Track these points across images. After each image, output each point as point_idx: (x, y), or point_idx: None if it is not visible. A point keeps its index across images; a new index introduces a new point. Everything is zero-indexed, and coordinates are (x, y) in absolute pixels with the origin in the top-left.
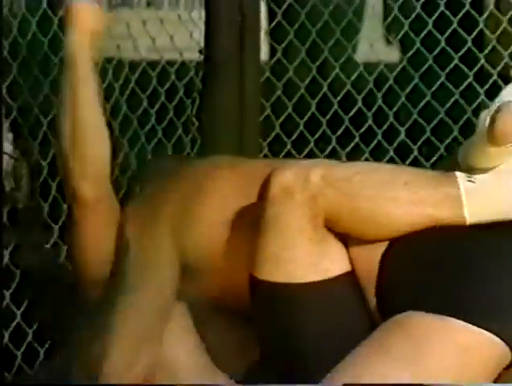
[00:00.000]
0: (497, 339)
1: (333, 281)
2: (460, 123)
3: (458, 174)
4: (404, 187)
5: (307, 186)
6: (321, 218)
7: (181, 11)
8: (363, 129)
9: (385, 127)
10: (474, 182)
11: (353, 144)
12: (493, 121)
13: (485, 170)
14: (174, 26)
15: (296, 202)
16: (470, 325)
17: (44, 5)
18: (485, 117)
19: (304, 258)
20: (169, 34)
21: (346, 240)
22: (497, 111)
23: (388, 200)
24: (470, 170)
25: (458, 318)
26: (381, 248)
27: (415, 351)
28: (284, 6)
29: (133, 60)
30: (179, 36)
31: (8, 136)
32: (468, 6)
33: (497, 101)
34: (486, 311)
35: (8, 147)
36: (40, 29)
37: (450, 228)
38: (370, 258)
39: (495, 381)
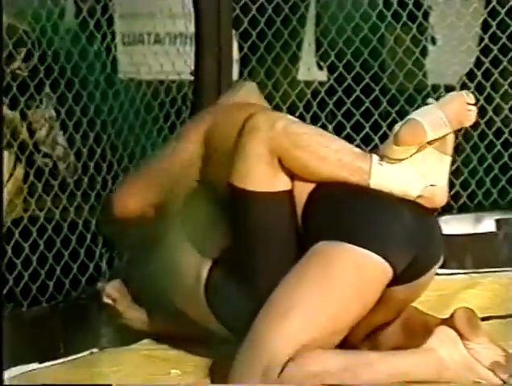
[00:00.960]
0: (382, 259)
1: (278, 193)
2: (370, 123)
3: (374, 156)
4: (334, 153)
5: (271, 130)
6: (275, 154)
7: (178, 46)
8: None
9: (319, 124)
10: (382, 166)
11: None
12: (398, 129)
13: (392, 161)
14: (174, 56)
15: (260, 137)
16: (362, 248)
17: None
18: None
19: (260, 174)
20: (171, 61)
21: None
22: (404, 123)
23: (320, 159)
24: (383, 158)
25: (354, 244)
26: (311, 185)
27: (324, 271)
28: (249, 42)
29: (148, 80)
30: (178, 63)
31: (60, 132)
32: (375, 42)
33: (408, 117)
34: (374, 239)
35: (60, 138)
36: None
37: (359, 186)
38: (303, 189)
39: (374, 311)
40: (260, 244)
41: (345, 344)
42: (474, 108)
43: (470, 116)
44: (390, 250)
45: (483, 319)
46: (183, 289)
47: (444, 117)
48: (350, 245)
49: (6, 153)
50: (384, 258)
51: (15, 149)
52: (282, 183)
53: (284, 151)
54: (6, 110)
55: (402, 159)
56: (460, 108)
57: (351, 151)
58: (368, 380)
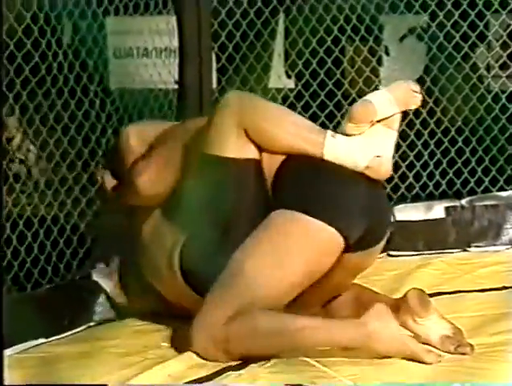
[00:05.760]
0: (334, 230)
1: (248, 160)
2: (334, 124)
3: (328, 131)
4: (291, 125)
5: (239, 105)
6: (242, 126)
7: (164, 58)
8: None
9: None
10: (335, 138)
11: None
12: (352, 108)
13: (346, 135)
14: (160, 67)
15: (230, 112)
16: (315, 219)
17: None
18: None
19: (231, 143)
20: (158, 72)
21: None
22: (357, 103)
23: (279, 128)
24: (338, 132)
25: (308, 215)
26: (281, 158)
27: (276, 239)
28: (226, 54)
29: (137, 89)
30: (164, 73)
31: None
32: (337, 52)
33: (362, 98)
34: (328, 211)
35: (31, 146)
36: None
37: (316, 160)
38: (273, 162)
39: (334, 264)
40: (233, 208)
41: (305, 311)
42: (419, 95)
43: (415, 99)
44: (343, 222)
45: (434, 295)
46: (157, 268)
47: (393, 98)
48: (304, 215)
49: None
50: (337, 229)
51: None
52: (250, 152)
53: (249, 123)
54: None
55: (354, 135)
56: (406, 92)
57: (308, 125)
58: (306, 344)
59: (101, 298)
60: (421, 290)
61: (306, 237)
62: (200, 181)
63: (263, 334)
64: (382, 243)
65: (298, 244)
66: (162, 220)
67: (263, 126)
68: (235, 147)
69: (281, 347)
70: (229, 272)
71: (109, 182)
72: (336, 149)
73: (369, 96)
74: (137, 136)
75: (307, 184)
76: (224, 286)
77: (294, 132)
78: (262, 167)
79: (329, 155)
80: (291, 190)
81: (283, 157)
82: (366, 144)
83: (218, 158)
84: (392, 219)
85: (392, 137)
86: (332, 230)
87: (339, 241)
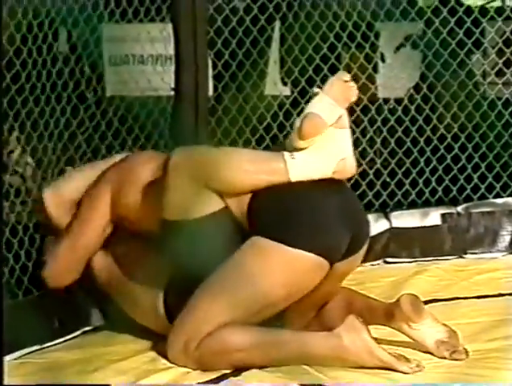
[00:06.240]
0: (315, 256)
1: (213, 214)
2: None
3: (285, 153)
4: (250, 164)
5: (189, 162)
6: (200, 182)
7: (159, 66)
8: (271, 135)
9: (284, 133)
10: (295, 158)
11: (265, 144)
12: (300, 125)
13: (300, 151)
14: (156, 74)
15: (182, 172)
16: (291, 248)
17: None
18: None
19: (190, 203)
20: (154, 79)
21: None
22: (303, 118)
23: (240, 172)
24: (292, 151)
25: (285, 243)
26: (247, 196)
27: (254, 265)
28: (222, 61)
29: (132, 96)
30: (159, 80)
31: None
32: (333, 59)
33: (305, 112)
34: (305, 236)
35: (29, 159)
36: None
37: (284, 185)
38: (241, 203)
39: (319, 285)
40: (206, 267)
41: (300, 319)
42: (353, 84)
43: (353, 90)
44: (323, 245)
45: (430, 302)
46: (139, 307)
47: (332, 100)
48: (282, 245)
49: None
50: (319, 254)
51: None
52: (214, 204)
53: (206, 176)
54: None
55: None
56: (342, 88)
57: (264, 156)
58: (277, 358)
59: (94, 304)
60: (414, 295)
61: (284, 266)
62: (169, 246)
63: (236, 349)
64: (365, 246)
65: (275, 272)
66: (140, 267)
67: (221, 175)
68: (198, 206)
69: (253, 361)
70: (206, 287)
71: None
72: (300, 168)
73: (311, 108)
74: (54, 204)
75: (284, 212)
76: (200, 301)
77: (253, 169)
78: (230, 212)
79: (296, 177)
80: (269, 220)
81: (250, 195)
82: (326, 151)
83: (184, 223)
84: (388, 226)
85: (347, 135)
86: (314, 256)
87: (323, 264)
